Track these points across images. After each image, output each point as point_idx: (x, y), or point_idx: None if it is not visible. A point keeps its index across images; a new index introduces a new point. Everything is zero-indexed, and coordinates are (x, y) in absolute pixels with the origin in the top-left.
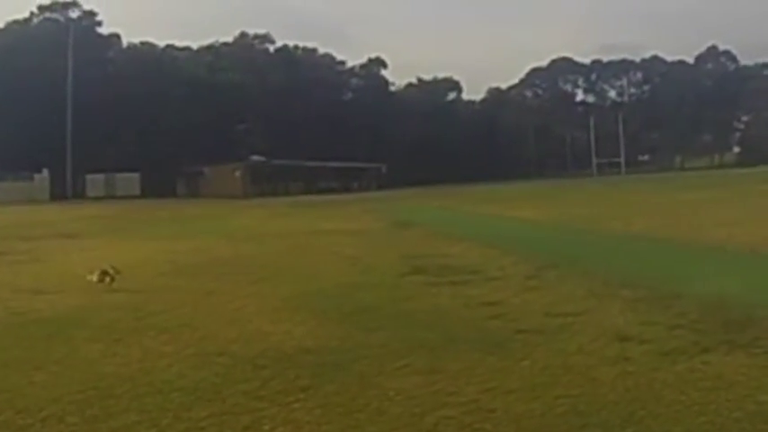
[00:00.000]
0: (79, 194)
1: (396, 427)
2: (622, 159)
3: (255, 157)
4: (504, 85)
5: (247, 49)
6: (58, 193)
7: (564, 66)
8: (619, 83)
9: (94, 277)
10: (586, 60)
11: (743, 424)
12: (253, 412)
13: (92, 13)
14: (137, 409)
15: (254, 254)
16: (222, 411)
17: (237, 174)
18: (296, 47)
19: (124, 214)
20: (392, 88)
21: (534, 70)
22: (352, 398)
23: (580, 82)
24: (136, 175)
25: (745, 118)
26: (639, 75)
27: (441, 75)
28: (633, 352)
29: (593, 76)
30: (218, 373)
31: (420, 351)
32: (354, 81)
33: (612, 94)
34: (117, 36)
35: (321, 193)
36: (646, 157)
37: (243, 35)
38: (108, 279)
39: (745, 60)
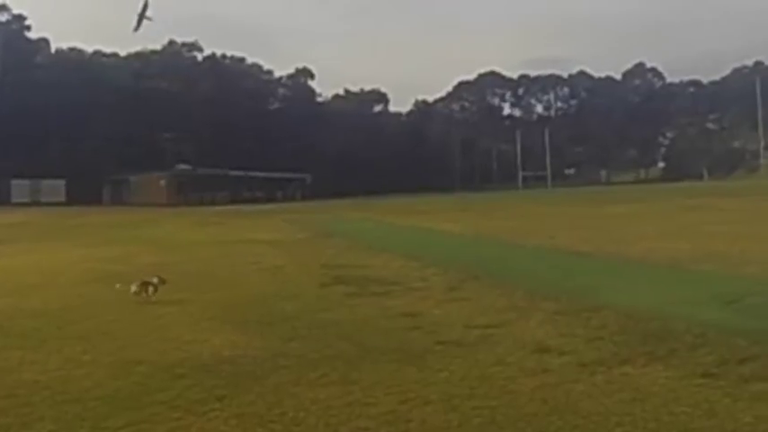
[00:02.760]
0: (4, 200)
1: None
2: (548, 173)
3: (181, 166)
4: (430, 98)
5: (175, 56)
6: None
7: (491, 79)
8: (546, 97)
9: (134, 287)
10: (514, 74)
11: None
12: (169, 422)
13: (21, 18)
14: (53, 418)
15: (177, 263)
16: (139, 420)
17: (163, 182)
18: (224, 56)
19: (49, 221)
20: (319, 99)
21: (462, 84)
22: (269, 408)
23: (507, 96)
24: (61, 182)
25: (670, 134)
26: (566, 89)
27: (368, 86)
28: (552, 363)
29: (521, 91)
30: (137, 381)
31: (337, 361)
32: (281, 91)
33: (539, 108)
34: (45, 41)
35: (246, 203)
36: (572, 171)
37: (171, 43)
38: (151, 289)
39: (671, 78)
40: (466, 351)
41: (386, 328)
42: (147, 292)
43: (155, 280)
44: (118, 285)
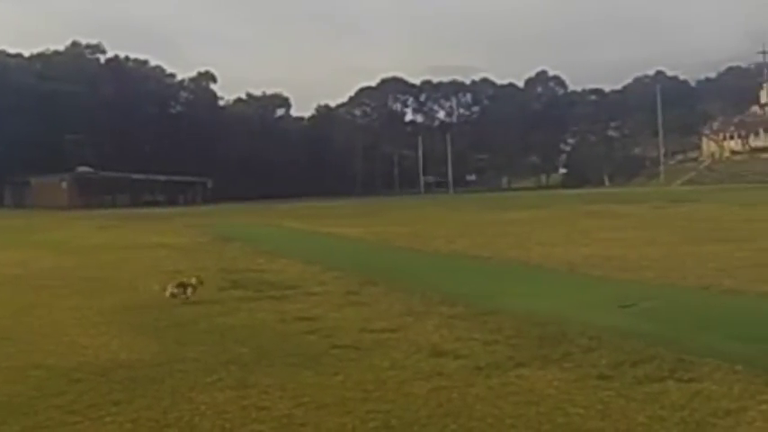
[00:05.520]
0: None
1: None
2: (450, 179)
3: (83, 169)
4: (333, 103)
5: (78, 58)
6: None
7: (394, 85)
8: (448, 104)
9: (169, 290)
10: (416, 81)
11: None
12: (65, 426)
13: None
14: None
15: (76, 267)
16: (35, 425)
17: (64, 185)
18: (127, 58)
19: None
20: (221, 103)
21: (364, 89)
22: (164, 412)
23: (409, 102)
24: None
25: (571, 141)
26: (469, 96)
27: (270, 90)
28: (448, 367)
29: (423, 97)
30: (33, 386)
31: (233, 366)
32: (184, 94)
33: (441, 114)
34: None
35: (147, 206)
36: (473, 177)
37: (75, 44)
38: (190, 290)
39: (573, 86)
40: (362, 355)
41: (283, 332)
42: (185, 293)
43: (193, 281)
44: (156, 287)
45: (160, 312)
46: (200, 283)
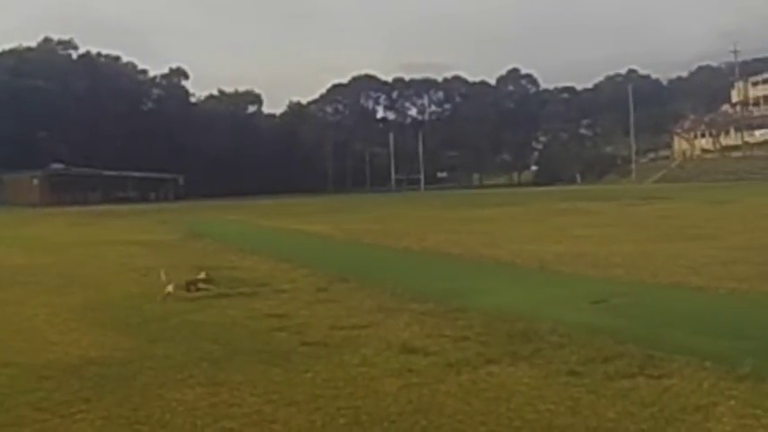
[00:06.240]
0: None
1: None
2: (421, 176)
3: (55, 166)
4: (304, 100)
5: (51, 54)
6: None
7: (366, 83)
8: (420, 101)
9: (169, 289)
10: (388, 78)
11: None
12: (35, 424)
13: None
14: None
15: (48, 263)
16: (5, 423)
17: (36, 181)
18: (99, 54)
19: None
20: (193, 99)
21: (336, 86)
22: (135, 409)
23: (381, 99)
24: None
25: (542, 138)
26: (441, 94)
27: (242, 87)
28: (418, 364)
29: (395, 94)
30: (3, 383)
31: (204, 363)
32: (156, 91)
33: (413, 112)
34: None
35: (119, 203)
36: (445, 174)
37: (47, 40)
38: (202, 285)
39: (545, 84)
40: (332, 352)
41: (253, 329)
42: (197, 289)
43: (202, 275)
44: (163, 277)
45: (131, 309)
46: (209, 279)
